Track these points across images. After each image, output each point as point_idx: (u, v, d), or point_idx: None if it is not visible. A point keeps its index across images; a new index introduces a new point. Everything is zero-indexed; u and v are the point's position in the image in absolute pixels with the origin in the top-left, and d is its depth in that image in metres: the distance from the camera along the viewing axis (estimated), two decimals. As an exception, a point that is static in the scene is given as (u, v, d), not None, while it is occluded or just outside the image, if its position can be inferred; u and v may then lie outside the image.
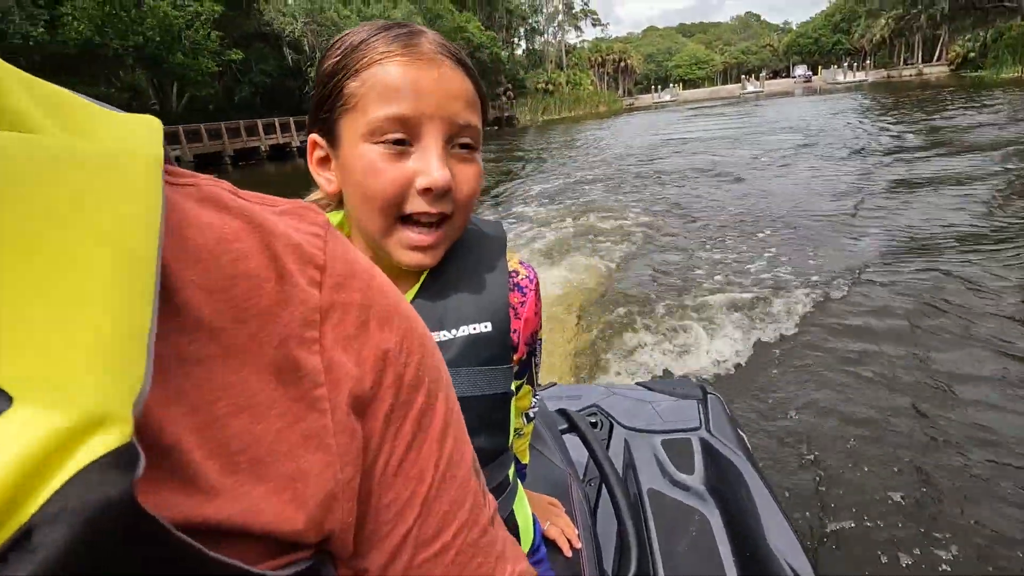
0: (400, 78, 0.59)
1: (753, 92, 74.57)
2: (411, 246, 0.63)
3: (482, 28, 50.81)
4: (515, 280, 0.73)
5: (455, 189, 0.63)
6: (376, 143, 0.60)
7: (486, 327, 0.68)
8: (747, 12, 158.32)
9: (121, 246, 0.18)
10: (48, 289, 0.16)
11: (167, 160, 0.26)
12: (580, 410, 1.72)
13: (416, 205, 0.61)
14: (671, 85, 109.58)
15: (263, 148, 27.33)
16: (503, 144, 27.60)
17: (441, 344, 0.65)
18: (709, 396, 1.71)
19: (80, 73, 22.63)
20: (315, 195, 0.71)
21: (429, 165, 0.60)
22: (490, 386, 0.68)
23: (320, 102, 0.63)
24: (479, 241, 0.73)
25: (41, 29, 19.98)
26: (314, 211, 0.32)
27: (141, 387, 0.17)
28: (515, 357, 0.73)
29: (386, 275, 0.65)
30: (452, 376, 0.63)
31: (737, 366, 3.66)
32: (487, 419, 0.70)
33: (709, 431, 1.54)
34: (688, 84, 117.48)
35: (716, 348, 3.92)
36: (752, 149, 13.95)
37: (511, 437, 0.77)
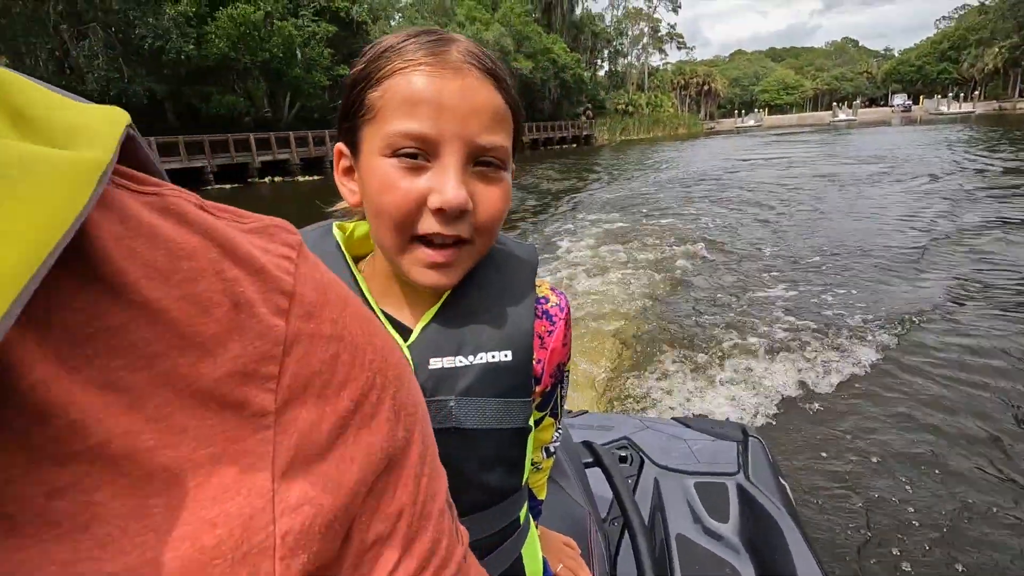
0: (421, 90, 0.55)
1: (844, 120, 71.74)
2: (426, 264, 0.59)
3: (567, 49, 52.42)
4: (544, 307, 0.70)
5: (475, 211, 0.58)
6: (392, 157, 0.56)
7: (506, 356, 0.64)
8: (844, 37, 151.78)
9: None
10: None
11: (139, 160, 0.26)
12: (610, 442, 1.65)
13: (429, 225, 0.57)
14: (756, 110, 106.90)
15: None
16: (577, 161, 28.66)
17: (456, 371, 0.63)
18: (750, 439, 1.61)
19: (215, 83, 26.03)
20: (341, 204, 0.71)
21: (444, 183, 0.55)
22: (507, 419, 0.65)
23: (344, 111, 0.61)
24: (507, 264, 0.69)
25: (191, 46, 23.41)
26: (287, 230, 0.30)
27: None
28: (538, 389, 0.70)
29: (405, 295, 0.63)
30: (465, 406, 0.63)
31: (784, 409, 3.40)
32: (501, 455, 0.66)
33: (748, 477, 1.44)
34: (774, 109, 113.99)
35: (762, 387, 3.67)
36: (826, 178, 13.72)
37: (526, 475, 0.72)
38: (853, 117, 75.29)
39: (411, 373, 0.36)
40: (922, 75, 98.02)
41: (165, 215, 0.24)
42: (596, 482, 1.34)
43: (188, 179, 23.05)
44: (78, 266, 0.21)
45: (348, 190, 0.64)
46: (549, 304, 0.70)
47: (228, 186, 23.87)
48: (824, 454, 2.95)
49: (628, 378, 3.95)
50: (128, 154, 0.26)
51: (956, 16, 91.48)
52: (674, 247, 7.65)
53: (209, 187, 23.40)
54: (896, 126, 48.48)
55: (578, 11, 67.41)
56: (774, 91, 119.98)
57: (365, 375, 0.29)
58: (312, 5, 29.43)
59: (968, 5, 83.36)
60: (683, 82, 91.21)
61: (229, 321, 0.24)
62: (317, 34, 28.43)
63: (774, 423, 3.28)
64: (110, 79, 22.84)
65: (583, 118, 59.41)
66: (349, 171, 0.64)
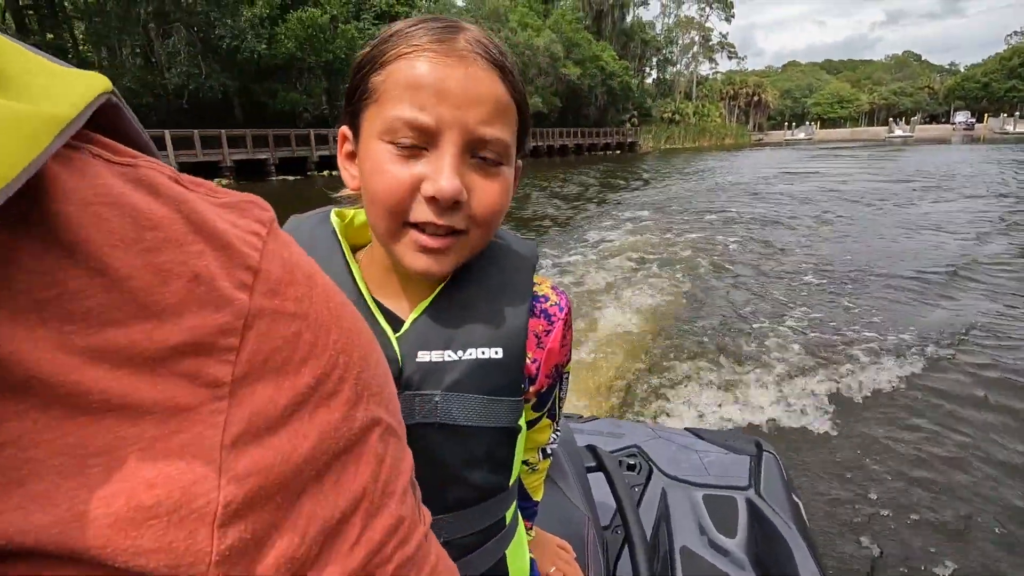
0: (422, 75, 0.54)
1: (901, 136, 69.66)
2: (418, 248, 0.58)
3: (616, 57, 52.82)
4: (542, 306, 0.68)
5: (471, 203, 0.57)
6: (388, 142, 0.55)
7: (496, 353, 0.63)
8: (905, 51, 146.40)
9: None
10: None
11: (123, 130, 0.26)
12: (619, 449, 1.63)
13: (421, 213, 0.56)
14: (807, 123, 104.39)
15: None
16: (619, 166, 29.17)
17: (444, 365, 0.61)
18: (764, 453, 1.58)
19: (281, 80, 27.73)
20: (346, 191, 0.70)
21: (438, 172, 0.54)
22: (494, 418, 0.63)
23: (349, 94, 0.60)
24: (505, 259, 0.68)
25: (263, 46, 25.13)
26: (260, 206, 0.30)
27: None
28: (532, 389, 0.68)
29: (402, 286, 0.63)
30: (451, 401, 0.61)
31: (802, 424, 3.33)
32: (487, 453, 0.65)
33: (759, 492, 1.41)
34: (827, 123, 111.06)
35: (781, 400, 3.59)
36: (869, 194, 13.60)
37: (513, 475, 0.70)
38: (910, 133, 72.95)
39: (380, 354, 0.36)
40: (988, 92, 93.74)
41: (137, 185, 0.24)
42: (600, 488, 1.30)
43: (252, 170, 24.72)
44: (42, 230, 0.21)
45: (349, 174, 0.64)
46: (548, 303, 0.69)
47: (289, 178, 25.46)
48: (842, 474, 2.84)
49: (643, 384, 3.90)
50: (112, 123, 0.26)
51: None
52: (700, 255, 7.71)
53: (272, 178, 25.01)
54: (956, 144, 46.88)
55: (629, 19, 67.67)
56: (827, 104, 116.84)
57: (328, 354, 0.30)
58: (373, 9, 30.93)
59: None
60: (732, 92, 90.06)
61: (188, 292, 0.24)
62: (375, 36, 29.82)
63: (791, 438, 3.18)
64: (190, 74, 24.78)
65: (628, 125, 59.66)
66: (352, 155, 0.63)
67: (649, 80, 77.92)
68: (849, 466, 2.94)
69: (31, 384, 0.20)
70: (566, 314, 0.69)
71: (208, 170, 23.00)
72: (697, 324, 5.11)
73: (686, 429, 1.80)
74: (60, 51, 23.24)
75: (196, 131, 22.82)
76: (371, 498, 0.31)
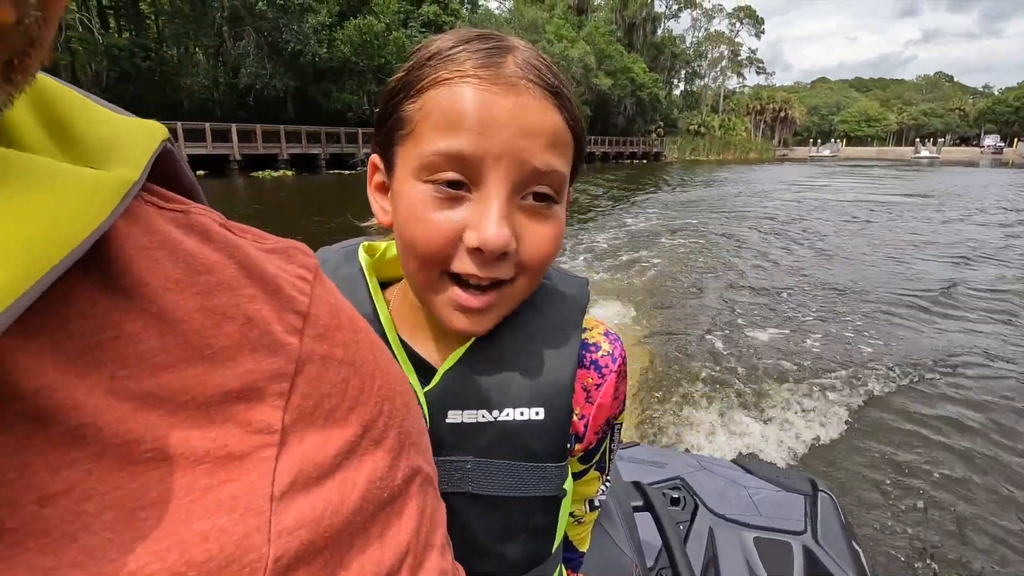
0: (466, 106, 0.46)
1: (927, 157, 70.13)
2: (457, 306, 0.51)
3: (646, 69, 54.46)
4: (593, 356, 0.60)
5: (520, 251, 0.50)
6: (427, 182, 0.48)
7: (537, 414, 0.55)
8: (937, 72, 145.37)
9: None
10: None
11: (172, 176, 0.27)
12: (661, 481, 1.51)
13: (464, 265, 0.49)
14: (833, 140, 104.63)
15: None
16: (644, 173, 30.65)
17: (477, 427, 0.55)
18: (820, 494, 1.45)
19: (336, 81, 29.92)
20: (374, 220, 0.62)
21: (485, 219, 0.47)
22: (534, 486, 0.56)
23: (381, 121, 0.53)
24: (550, 303, 0.60)
25: (324, 50, 27.28)
26: (304, 252, 0.30)
27: None
28: (579, 446, 0.61)
29: (433, 330, 0.57)
30: (484, 468, 0.54)
31: (855, 456, 3.01)
32: (525, 525, 0.57)
33: (816, 538, 1.30)
34: (853, 141, 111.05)
35: (827, 427, 3.29)
36: (881, 213, 13.75)
37: (558, 540, 0.63)
38: (936, 155, 73.33)
39: (416, 403, 0.35)
40: (1019, 117, 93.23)
41: (189, 231, 0.25)
42: (643, 525, 1.21)
43: (305, 163, 26.87)
44: (100, 275, 0.21)
45: (380, 207, 0.57)
46: (599, 353, 0.60)
47: (337, 172, 27.56)
48: (904, 517, 2.55)
49: (676, 407, 3.63)
50: (164, 167, 0.27)
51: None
52: (716, 266, 7.85)
53: (320, 172, 27.12)
54: (983, 167, 47.33)
55: (659, 32, 69.26)
56: (854, 122, 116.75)
57: (373, 401, 0.29)
58: (420, 18, 33.03)
59: (1079, 47, 78.79)
60: (759, 107, 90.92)
61: (241, 336, 0.24)
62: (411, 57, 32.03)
63: (843, 471, 2.86)
64: (258, 74, 27.03)
65: (654, 135, 61.17)
66: (383, 187, 0.56)
67: (677, 92, 79.31)
68: (912, 507, 2.62)
69: (85, 432, 0.20)
70: (619, 364, 0.61)
71: (267, 162, 25.28)
72: (724, 339, 4.90)
73: (733, 461, 1.70)
74: (143, 48, 25.66)
75: (259, 126, 25.03)
76: (415, 552, 0.30)
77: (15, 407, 0.19)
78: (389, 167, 0.53)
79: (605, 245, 9.35)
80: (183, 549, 0.21)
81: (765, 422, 3.42)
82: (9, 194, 0.18)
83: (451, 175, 0.48)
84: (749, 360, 4.42)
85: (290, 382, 0.25)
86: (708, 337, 4.97)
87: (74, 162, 0.21)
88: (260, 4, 23.74)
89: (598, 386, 0.60)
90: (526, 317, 0.58)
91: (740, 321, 5.44)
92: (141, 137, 0.24)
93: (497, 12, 44.54)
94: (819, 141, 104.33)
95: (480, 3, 41.72)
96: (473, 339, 0.57)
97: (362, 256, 0.61)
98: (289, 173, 25.05)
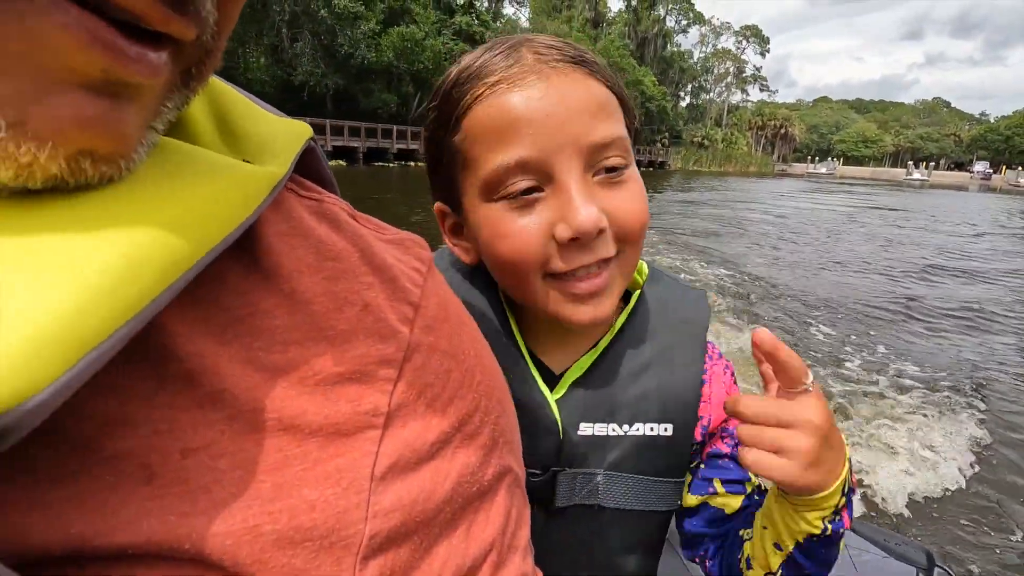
0: (508, 113, 0.46)
1: (918, 180, 73.37)
2: (574, 298, 0.49)
3: (656, 82, 57.64)
4: (711, 370, 0.60)
5: (613, 224, 0.48)
6: (498, 199, 0.48)
7: (666, 430, 0.55)
8: (935, 98, 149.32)
9: (138, 253, 0.18)
10: (25, 266, 0.16)
11: (311, 169, 0.30)
12: None
13: (564, 262, 0.48)
14: (831, 159, 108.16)
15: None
16: (649, 182, 33.54)
17: (607, 440, 0.54)
18: (936, 569, 1.24)
19: (377, 82, 32.78)
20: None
21: (569, 207, 0.46)
22: (656, 500, 0.56)
23: (431, 165, 0.54)
24: (675, 314, 0.59)
25: (372, 54, 30.12)
26: (420, 245, 0.32)
27: (28, 400, 0.15)
28: (697, 458, 0.60)
29: (556, 333, 0.57)
30: (614, 482, 0.54)
31: (976, 529, 2.48)
32: (642, 540, 0.57)
33: None
34: (850, 160, 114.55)
35: (941, 480, 2.77)
36: (858, 229, 13.89)
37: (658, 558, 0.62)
38: (926, 177, 76.64)
39: (511, 403, 0.36)
40: (1009, 145, 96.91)
41: (321, 218, 0.27)
42: None
43: (345, 155, 29.68)
44: (246, 256, 0.24)
45: (460, 249, 0.56)
46: (711, 362, 0.60)
47: (375, 164, 30.36)
48: None
49: None
50: (307, 162, 0.30)
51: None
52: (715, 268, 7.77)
53: (358, 164, 29.89)
54: (971, 192, 49.56)
55: (669, 47, 72.47)
56: (852, 142, 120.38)
57: (472, 396, 0.30)
58: (452, 26, 35.91)
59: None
60: (761, 123, 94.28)
61: (358, 321, 0.26)
62: (454, 51, 34.79)
63: (961, 539, 2.38)
64: (312, 72, 29.86)
65: (659, 145, 64.31)
66: (456, 229, 0.56)
67: (683, 104, 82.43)
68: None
69: (223, 396, 0.22)
70: (723, 370, 0.61)
71: (313, 152, 27.85)
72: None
73: None
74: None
75: (306, 119, 27.62)
76: (499, 550, 0.30)
77: (172, 367, 0.21)
78: (455, 206, 0.53)
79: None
80: (293, 514, 0.22)
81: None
82: (183, 183, 0.21)
83: (520, 184, 0.46)
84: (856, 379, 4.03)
85: (398, 369, 0.26)
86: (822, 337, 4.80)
87: (234, 156, 0.24)
88: (322, 11, 26.50)
89: (703, 382, 0.59)
90: (653, 325, 0.58)
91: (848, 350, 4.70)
92: (290, 136, 0.27)
93: (523, 24, 47.43)
94: (817, 159, 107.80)
95: (505, 14, 44.72)
96: (602, 346, 0.57)
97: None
98: (342, 163, 27.72)
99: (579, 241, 0.47)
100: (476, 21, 36.52)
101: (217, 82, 0.27)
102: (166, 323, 0.21)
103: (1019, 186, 66.72)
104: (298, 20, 28.00)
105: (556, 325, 0.54)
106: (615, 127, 0.48)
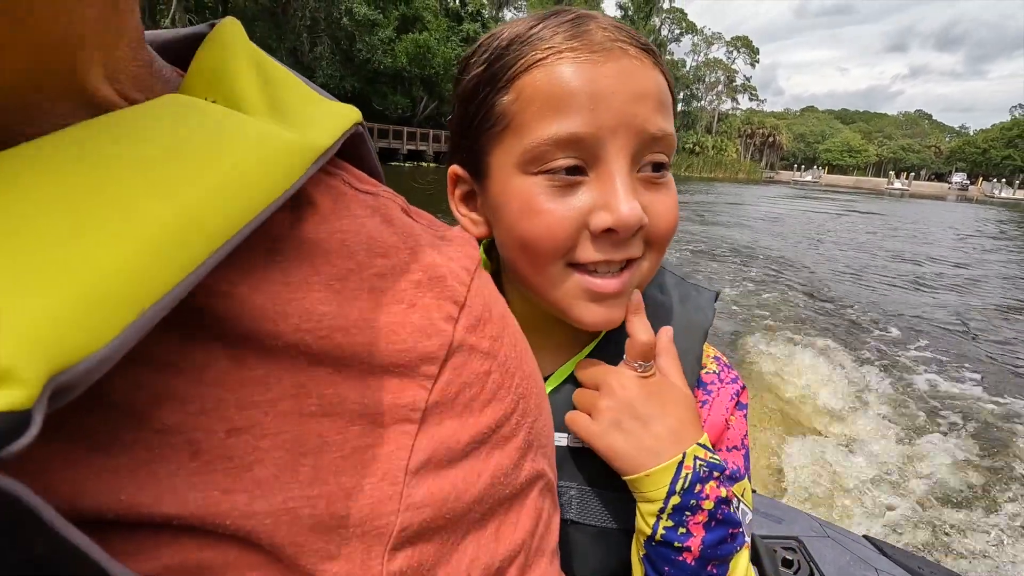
0: (569, 82, 0.43)
1: (899, 189, 76.51)
2: (592, 296, 0.47)
3: (650, 90, 59.61)
4: (699, 375, 0.56)
5: (648, 226, 0.46)
6: (537, 173, 0.44)
7: None
8: (917, 110, 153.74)
9: (185, 213, 0.18)
10: (80, 225, 0.16)
11: (361, 155, 0.31)
12: (774, 537, 1.34)
13: (589, 253, 0.45)
14: (816, 167, 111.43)
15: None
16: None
17: (581, 453, 0.51)
18: None
19: (390, 85, 34.45)
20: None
21: (613, 196, 0.43)
22: (635, 521, 0.49)
23: (462, 125, 0.49)
24: (676, 320, 0.55)
25: (388, 59, 31.82)
26: (470, 244, 0.32)
27: (86, 358, 0.15)
28: None
29: (544, 328, 0.54)
30: (582, 496, 0.50)
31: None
32: (620, 559, 0.51)
33: None
34: (834, 169, 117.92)
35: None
36: (826, 235, 14.44)
37: None
38: (907, 187, 79.84)
39: (548, 406, 0.35)
40: (986, 158, 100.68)
41: (374, 212, 0.28)
42: None
43: (359, 154, 31.30)
44: (301, 247, 0.24)
45: (468, 220, 0.52)
46: (705, 371, 0.57)
47: (386, 164, 32.00)
48: None
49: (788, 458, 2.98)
50: (356, 148, 0.30)
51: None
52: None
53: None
54: (948, 201, 51.76)
55: (664, 56, 74.50)
56: (837, 151, 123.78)
57: (510, 398, 0.30)
58: (460, 33, 37.63)
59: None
60: (750, 131, 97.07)
61: (404, 316, 0.26)
62: (462, 57, 36.84)
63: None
64: (331, 76, 31.43)
65: (653, 151, 66.38)
66: (469, 197, 0.53)
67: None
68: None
69: (269, 379, 0.22)
70: (730, 386, 0.56)
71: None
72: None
73: (865, 536, 1.46)
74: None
75: (327, 119, 29.41)
76: (527, 552, 0.30)
77: (220, 348, 0.22)
78: (479, 171, 0.49)
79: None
80: (330, 500, 0.23)
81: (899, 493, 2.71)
82: (233, 148, 0.21)
83: (567, 161, 0.44)
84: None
85: (439, 366, 0.26)
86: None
87: (283, 128, 0.24)
88: (344, 19, 28.13)
89: (704, 402, 0.55)
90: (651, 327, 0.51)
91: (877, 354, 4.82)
92: (339, 117, 0.28)
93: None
94: (803, 167, 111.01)
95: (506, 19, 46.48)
96: (591, 346, 0.54)
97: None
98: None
99: (615, 234, 0.45)
100: (483, 29, 38.25)
101: (272, 61, 0.28)
102: (230, 292, 0.22)
103: (994, 197, 70.06)
104: (318, 26, 29.55)
105: (550, 325, 0.52)
106: (669, 123, 0.46)
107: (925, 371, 4.53)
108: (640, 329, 0.49)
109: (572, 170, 0.44)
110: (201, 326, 0.22)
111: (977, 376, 4.52)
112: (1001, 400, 4.02)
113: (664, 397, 0.48)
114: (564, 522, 0.49)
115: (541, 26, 0.45)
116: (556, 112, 0.43)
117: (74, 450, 0.19)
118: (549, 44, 0.44)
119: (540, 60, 0.44)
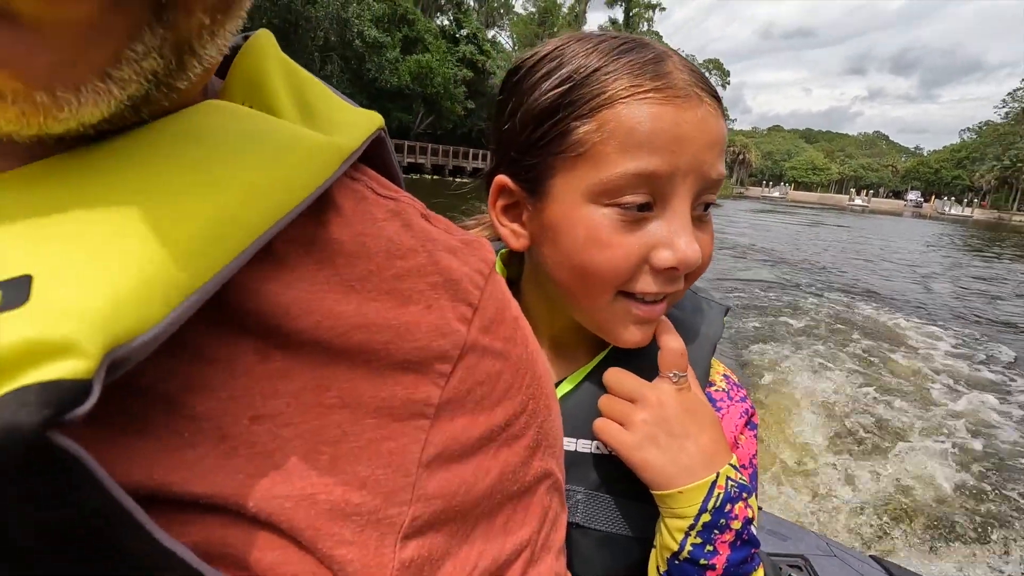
0: (655, 123, 0.44)
1: (859, 205, 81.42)
2: (636, 320, 0.49)
3: (631, 110, 62.77)
4: (707, 391, 0.57)
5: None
6: (608, 205, 0.46)
7: None
8: (875, 132, 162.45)
9: (225, 210, 0.20)
10: (136, 218, 0.18)
11: (383, 160, 0.32)
12: (780, 555, 1.36)
13: (648, 285, 0.47)
14: (783, 184, 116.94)
15: (467, 168, 39.88)
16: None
17: (590, 458, 0.52)
18: None
19: (393, 102, 36.33)
20: (476, 229, 0.62)
21: (677, 237, 0.46)
22: (641, 527, 0.52)
23: (524, 142, 0.50)
24: (687, 325, 0.57)
25: (395, 78, 33.71)
26: (485, 248, 0.33)
27: (138, 337, 0.17)
28: None
29: (554, 339, 0.58)
30: (589, 500, 0.51)
31: None
32: (628, 568, 0.53)
33: None
34: (800, 186, 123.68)
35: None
36: (787, 244, 15.70)
37: None
38: (867, 203, 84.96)
39: (558, 407, 0.36)
40: (938, 178, 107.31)
41: (394, 217, 0.29)
42: None
43: (363, 166, 33.00)
44: (324, 249, 0.26)
45: (509, 231, 0.53)
46: (713, 388, 0.58)
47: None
48: None
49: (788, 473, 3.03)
50: (378, 153, 0.32)
51: (979, 129, 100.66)
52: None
53: (375, 174, 33.20)
54: (904, 217, 55.28)
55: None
56: (802, 169, 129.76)
57: (520, 398, 0.31)
58: (457, 54, 39.81)
59: (992, 121, 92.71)
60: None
61: (420, 317, 0.27)
62: (459, 76, 38.71)
63: None
64: (341, 92, 33.00)
65: (632, 166, 69.38)
66: (512, 208, 0.53)
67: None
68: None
69: (291, 371, 0.24)
70: (740, 405, 0.58)
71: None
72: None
73: (871, 556, 1.47)
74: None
75: (335, 134, 31.07)
76: (533, 548, 0.31)
77: (253, 333, 0.23)
78: (535, 190, 0.50)
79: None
80: (346, 488, 0.24)
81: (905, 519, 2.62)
82: (264, 149, 0.22)
83: (640, 197, 0.46)
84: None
85: (452, 365, 0.27)
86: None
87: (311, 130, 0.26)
88: (356, 41, 29.96)
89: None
90: (649, 347, 0.53)
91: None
92: (362, 120, 0.29)
93: (509, 49, 51.74)
94: (771, 183, 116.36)
95: (497, 40, 48.97)
96: (598, 359, 0.56)
97: (498, 266, 0.58)
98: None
99: (674, 271, 0.47)
100: (478, 51, 40.54)
101: (304, 72, 0.30)
102: (259, 288, 0.23)
103: (944, 214, 75.34)
104: (329, 45, 31.30)
105: (569, 333, 0.56)
106: (724, 167, 0.48)
107: (923, 381, 4.62)
108: (673, 340, 0.52)
109: (644, 206, 0.46)
110: (229, 319, 0.22)
111: (986, 392, 4.55)
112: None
113: (699, 415, 0.50)
114: (569, 525, 0.49)
115: (624, 61, 0.47)
116: (638, 149, 0.45)
117: (107, 431, 0.20)
118: (635, 83, 0.45)
119: (626, 98, 0.45)
